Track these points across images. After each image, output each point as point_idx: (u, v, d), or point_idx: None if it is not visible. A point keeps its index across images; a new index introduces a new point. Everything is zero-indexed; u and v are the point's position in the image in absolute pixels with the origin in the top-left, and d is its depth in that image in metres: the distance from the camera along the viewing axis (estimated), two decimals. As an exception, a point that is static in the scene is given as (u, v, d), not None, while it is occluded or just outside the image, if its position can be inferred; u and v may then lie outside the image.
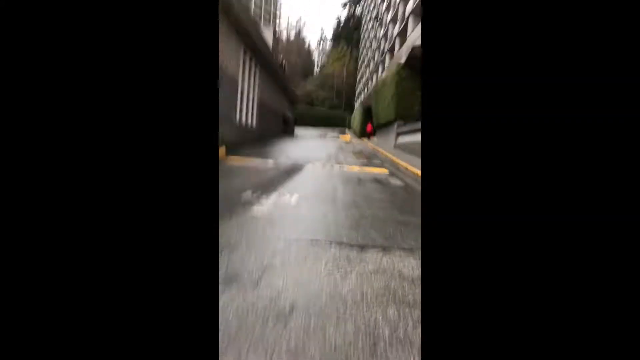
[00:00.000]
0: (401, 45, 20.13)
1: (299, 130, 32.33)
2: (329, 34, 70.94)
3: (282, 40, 52.76)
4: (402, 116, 14.12)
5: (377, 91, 18.63)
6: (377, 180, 6.18)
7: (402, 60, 14.46)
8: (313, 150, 12.00)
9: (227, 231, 2.71)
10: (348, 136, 27.91)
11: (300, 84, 53.59)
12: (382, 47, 28.14)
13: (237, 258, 2.20)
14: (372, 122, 23.56)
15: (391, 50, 24.22)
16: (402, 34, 20.58)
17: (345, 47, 55.14)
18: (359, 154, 12.09)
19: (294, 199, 4.15)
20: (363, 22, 43.41)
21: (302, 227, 3.04)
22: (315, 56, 70.99)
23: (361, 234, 2.91)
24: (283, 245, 2.51)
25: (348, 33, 55.25)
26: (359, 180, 6.01)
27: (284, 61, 23.23)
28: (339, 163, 8.58)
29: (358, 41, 48.63)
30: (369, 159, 10.50)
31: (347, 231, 2.98)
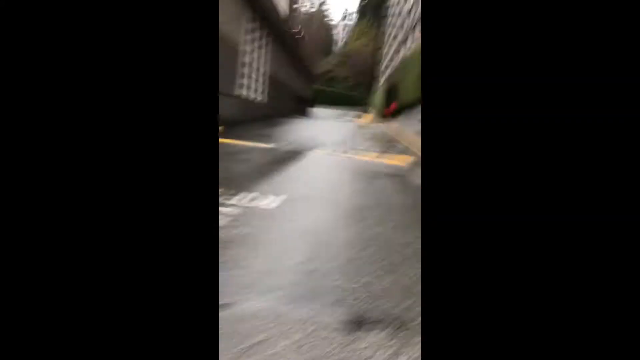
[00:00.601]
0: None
1: (316, 110, 30.91)
2: (354, 9, 67.27)
3: (300, 12, 50.31)
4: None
5: (403, 66, 16.78)
6: (397, 175, 4.85)
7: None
8: (325, 133, 10.68)
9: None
10: (368, 117, 26.27)
11: (320, 61, 51.42)
12: (412, 15, 25.49)
13: None
14: (395, 102, 21.76)
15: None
16: None
17: (370, 22, 52.13)
18: (379, 138, 10.67)
19: (276, 202, 2.92)
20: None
21: (267, 263, 1.82)
22: (338, 32, 67.75)
23: (364, 284, 1.66)
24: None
25: (374, 7, 52.01)
26: (373, 175, 4.69)
27: (301, 34, 21.45)
28: (352, 150, 7.24)
29: (384, 17, 45.63)
30: (390, 145, 9.09)
31: (342, 274, 1.73)
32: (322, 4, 65.02)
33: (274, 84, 14.83)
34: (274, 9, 12.05)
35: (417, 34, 20.39)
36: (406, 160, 6.35)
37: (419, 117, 14.67)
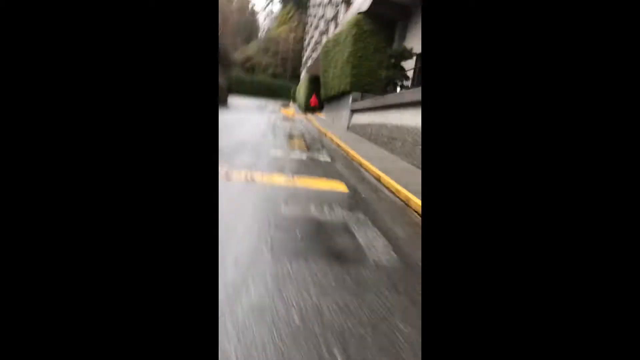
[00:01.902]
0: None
1: (235, 100, 27.30)
2: (276, -6, 63.22)
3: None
4: (361, 86, 10.34)
5: (326, 53, 14.43)
6: (324, 226, 2.37)
7: (364, 7, 10.48)
8: (233, 130, 7.79)
9: None
10: (291, 110, 23.73)
11: (242, 47, 46.99)
12: (334, 6, 23.34)
13: None
14: (317, 94, 19.55)
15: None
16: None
17: (292, 9, 49.23)
18: (299, 138, 8.15)
19: None
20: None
21: None
22: (262, 19, 63.39)
23: None
24: None
25: (297, -8, 49.17)
26: (288, 227, 2.12)
27: None
28: (255, 170, 4.55)
29: (306, 6, 43.17)
30: (312, 148, 6.64)
31: None
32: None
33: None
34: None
35: (339, 21, 18.29)
36: (338, 187, 3.92)
37: (343, 114, 12.72)
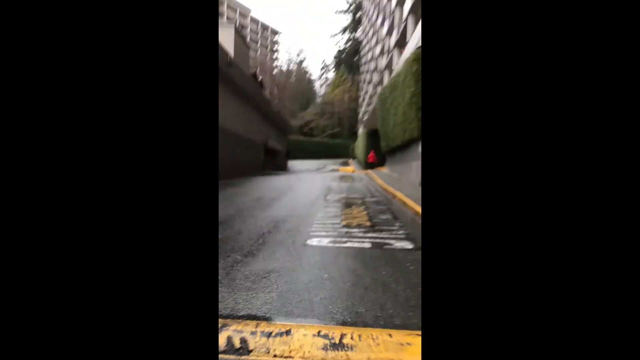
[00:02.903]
0: (415, 26, 13.57)
1: (295, 163, 26.95)
2: (330, 62, 67.22)
3: (274, 69, 49.54)
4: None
5: (383, 101, 12.76)
6: None
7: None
8: (273, 201, 6.05)
9: None
10: (351, 168, 22.14)
11: (300, 114, 49.07)
12: (387, 46, 21.87)
13: None
14: (375, 149, 17.68)
15: (400, 43, 17.45)
16: (415, 9, 14.37)
17: (345, 72, 50.93)
18: (359, 206, 6.05)
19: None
20: (364, 40, 39.00)
21: None
22: (318, 87, 67.14)
23: None
24: None
25: (347, 57, 51.23)
26: None
27: (268, 91, 18.73)
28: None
29: (359, 66, 44.23)
30: (378, 222, 4.44)
31: None
32: (301, 62, 65.12)
33: (229, 138, 12.93)
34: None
35: (394, 67, 16.93)
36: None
37: (412, 167, 10.32)
